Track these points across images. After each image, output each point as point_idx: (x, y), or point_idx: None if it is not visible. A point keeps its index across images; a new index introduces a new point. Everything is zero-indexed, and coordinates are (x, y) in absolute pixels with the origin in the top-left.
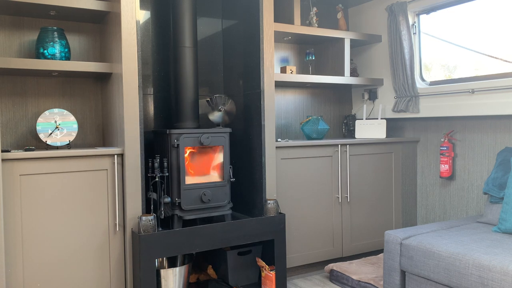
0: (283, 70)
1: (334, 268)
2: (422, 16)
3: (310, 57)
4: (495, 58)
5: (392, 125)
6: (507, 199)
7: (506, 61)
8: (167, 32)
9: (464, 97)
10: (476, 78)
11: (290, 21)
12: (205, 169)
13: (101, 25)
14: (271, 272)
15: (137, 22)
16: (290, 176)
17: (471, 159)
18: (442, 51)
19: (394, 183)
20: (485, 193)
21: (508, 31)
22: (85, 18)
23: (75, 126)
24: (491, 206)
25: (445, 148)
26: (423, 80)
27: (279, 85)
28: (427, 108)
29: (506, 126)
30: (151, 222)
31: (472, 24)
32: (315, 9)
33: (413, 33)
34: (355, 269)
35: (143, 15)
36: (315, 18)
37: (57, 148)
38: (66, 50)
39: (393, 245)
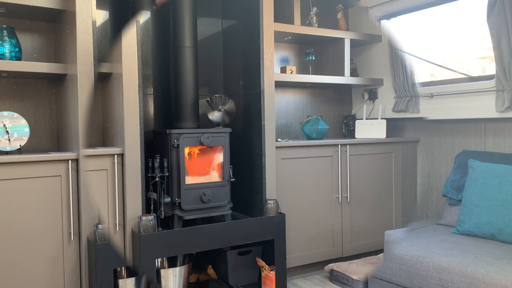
0: (283, 70)
1: (334, 268)
2: (383, 22)
3: (310, 57)
4: (445, 68)
5: (392, 125)
6: (465, 201)
7: (454, 71)
8: (167, 32)
9: (424, 101)
10: (434, 83)
11: (290, 21)
12: (205, 169)
13: (55, 24)
14: (271, 272)
15: (94, 21)
16: (290, 176)
17: (430, 162)
18: None
19: (394, 183)
20: (444, 196)
21: (458, 38)
22: (38, 17)
23: (27, 130)
24: (450, 208)
25: None
26: None
27: (279, 85)
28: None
29: (463, 130)
30: (151, 222)
31: (428, 31)
32: (315, 9)
33: None
34: (355, 269)
35: (144, 16)
36: (315, 18)
37: (7, 153)
38: (16, 49)
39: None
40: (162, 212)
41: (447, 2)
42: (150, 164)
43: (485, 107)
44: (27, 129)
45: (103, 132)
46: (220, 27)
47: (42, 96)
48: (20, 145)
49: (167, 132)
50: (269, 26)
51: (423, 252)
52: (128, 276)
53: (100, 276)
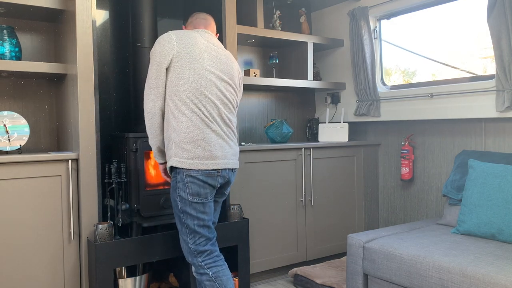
0: (247, 73)
1: (298, 273)
2: (383, 21)
3: (274, 60)
4: (448, 65)
5: (355, 129)
6: (465, 201)
7: (458, 69)
8: (126, 32)
9: (424, 101)
10: (435, 83)
11: (253, 24)
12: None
13: (55, 24)
14: (234, 278)
15: (94, 21)
16: (254, 180)
17: (430, 162)
18: (401, 56)
19: (356, 186)
20: (444, 195)
21: (459, 38)
22: (38, 16)
23: (27, 129)
24: (450, 208)
25: (406, 151)
26: (384, 84)
27: (243, 88)
28: (388, 112)
29: (463, 130)
30: (107, 230)
31: (429, 31)
32: (278, 12)
33: (374, 38)
34: (318, 273)
35: (101, 15)
36: (278, 21)
37: (6, 153)
38: (16, 49)
39: (355, 248)
40: (120, 220)
41: (447, 2)
42: (106, 169)
43: (485, 107)
44: (27, 129)
45: (57, 136)
46: (182, 28)
47: (42, 96)
48: (20, 145)
49: (125, 136)
50: (232, 28)
51: (423, 252)
52: (128, 276)
53: (100, 276)
